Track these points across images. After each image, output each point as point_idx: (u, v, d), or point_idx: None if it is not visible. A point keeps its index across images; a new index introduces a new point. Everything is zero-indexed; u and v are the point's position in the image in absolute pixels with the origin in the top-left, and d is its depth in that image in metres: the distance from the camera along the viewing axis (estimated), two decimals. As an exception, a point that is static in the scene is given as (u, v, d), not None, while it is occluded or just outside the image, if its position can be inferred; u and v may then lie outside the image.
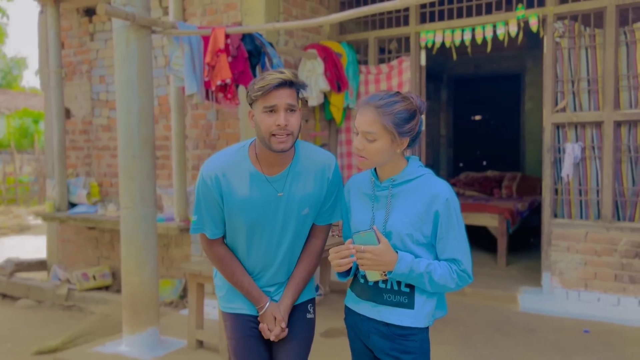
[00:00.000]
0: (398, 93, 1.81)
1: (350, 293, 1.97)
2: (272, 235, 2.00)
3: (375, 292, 1.85)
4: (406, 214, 1.79)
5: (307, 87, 1.96)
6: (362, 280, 1.90)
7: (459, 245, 1.79)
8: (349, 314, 1.97)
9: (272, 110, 1.82)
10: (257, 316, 2.07)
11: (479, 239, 6.43)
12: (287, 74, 1.82)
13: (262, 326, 2.01)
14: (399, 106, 1.76)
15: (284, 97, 1.82)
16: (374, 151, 1.77)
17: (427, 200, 1.78)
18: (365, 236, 1.74)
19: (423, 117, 1.87)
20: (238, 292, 2.08)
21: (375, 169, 1.90)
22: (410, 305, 1.80)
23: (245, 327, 2.06)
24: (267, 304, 2.01)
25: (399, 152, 1.79)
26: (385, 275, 1.77)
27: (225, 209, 1.96)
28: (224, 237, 2.08)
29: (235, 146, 2.02)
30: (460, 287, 1.82)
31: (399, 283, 1.82)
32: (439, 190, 1.79)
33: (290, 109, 1.84)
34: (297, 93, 1.88)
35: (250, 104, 1.91)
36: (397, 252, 1.75)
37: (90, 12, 5.98)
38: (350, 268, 1.84)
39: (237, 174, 1.94)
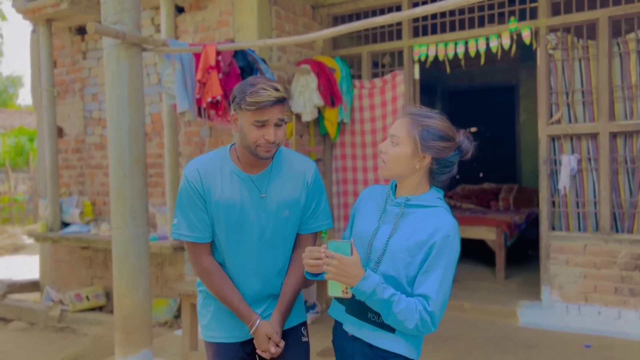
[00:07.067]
0: (442, 114, 1.82)
1: (336, 303, 1.89)
2: (253, 237, 1.94)
3: (360, 308, 1.77)
4: (408, 238, 1.72)
5: (292, 99, 2.00)
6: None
7: (438, 286, 1.64)
8: (336, 335, 1.90)
9: (263, 125, 1.83)
10: (241, 344, 2.01)
11: (477, 252, 6.39)
12: (281, 92, 1.82)
13: (259, 351, 1.95)
14: (432, 122, 1.76)
15: (276, 113, 1.83)
16: (393, 156, 1.74)
17: (430, 231, 1.70)
18: (341, 245, 1.67)
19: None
20: (221, 320, 2.02)
21: (395, 186, 1.85)
22: (392, 328, 1.71)
23: (227, 357, 2.00)
24: (258, 321, 1.94)
25: (418, 167, 1.74)
26: (347, 291, 1.67)
27: (208, 209, 1.94)
28: (211, 248, 2.00)
29: (214, 150, 2.04)
30: (418, 330, 1.63)
31: None
32: (443, 225, 1.70)
33: (280, 123, 1.86)
34: (286, 105, 1.90)
35: (235, 109, 1.89)
36: (365, 270, 1.65)
37: (82, 31, 5.95)
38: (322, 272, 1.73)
39: (219, 173, 1.94)
